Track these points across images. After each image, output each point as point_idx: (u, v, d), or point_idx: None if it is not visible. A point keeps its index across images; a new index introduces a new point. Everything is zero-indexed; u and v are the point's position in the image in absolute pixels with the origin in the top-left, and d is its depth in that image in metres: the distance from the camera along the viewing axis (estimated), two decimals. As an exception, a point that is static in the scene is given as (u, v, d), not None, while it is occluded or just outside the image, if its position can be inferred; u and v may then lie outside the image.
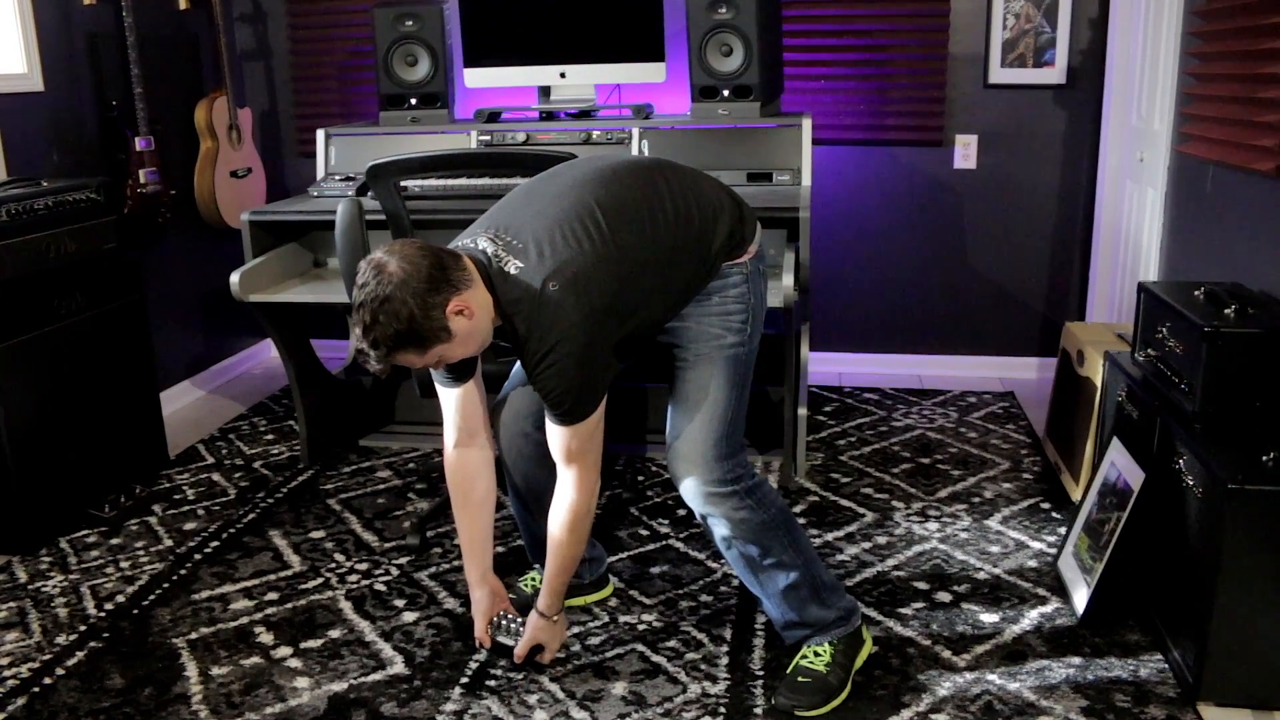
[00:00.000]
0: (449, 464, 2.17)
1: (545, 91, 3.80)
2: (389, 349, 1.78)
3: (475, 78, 3.76)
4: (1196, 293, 2.44)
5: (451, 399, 2.10)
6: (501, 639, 2.25)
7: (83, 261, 2.99)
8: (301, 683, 2.23)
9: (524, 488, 2.31)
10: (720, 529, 2.08)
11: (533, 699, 2.15)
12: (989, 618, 2.42)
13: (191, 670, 2.28)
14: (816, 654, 2.15)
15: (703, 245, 1.98)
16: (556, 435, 1.95)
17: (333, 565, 2.74)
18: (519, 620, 2.24)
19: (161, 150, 3.65)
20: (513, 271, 1.85)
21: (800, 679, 2.12)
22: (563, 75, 3.69)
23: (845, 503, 3.05)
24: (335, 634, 2.41)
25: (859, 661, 2.20)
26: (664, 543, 2.82)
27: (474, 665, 2.28)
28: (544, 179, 2.02)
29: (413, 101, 3.65)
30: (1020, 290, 4.15)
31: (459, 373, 2.07)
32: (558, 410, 1.90)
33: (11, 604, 2.57)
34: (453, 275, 1.79)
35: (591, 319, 1.83)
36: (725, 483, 2.03)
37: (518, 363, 2.27)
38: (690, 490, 2.05)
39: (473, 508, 2.19)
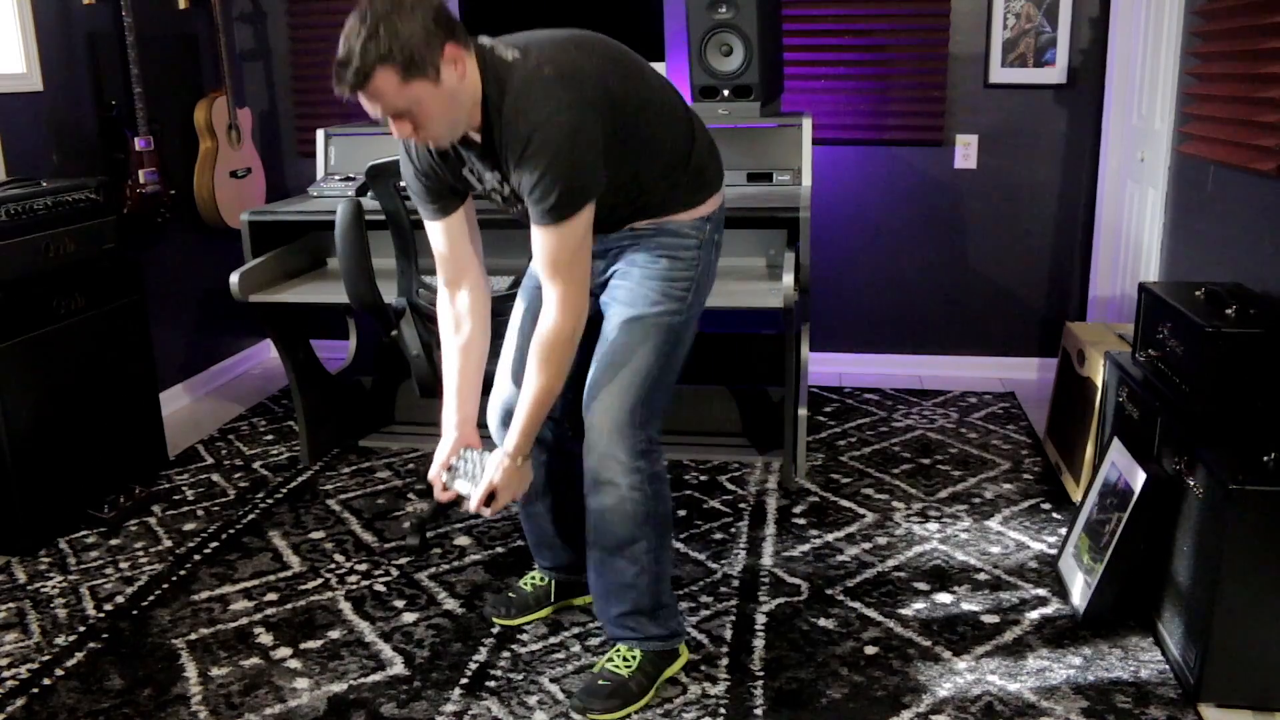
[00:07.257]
0: (440, 302, 2.11)
1: (545, 91, 3.79)
2: (374, 62, 1.68)
3: (475, 78, 3.75)
4: (1197, 293, 2.43)
5: (437, 232, 2.04)
6: (460, 486, 2.04)
7: (82, 262, 2.98)
8: (301, 683, 2.22)
9: (547, 492, 2.29)
10: (603, 499, 2.02)
11: (533, 700, 2.15)
12: (989, 618, 2.41)
13: (191, 671, 2.28)
14: (625, 659, 2.12)
15: (688, 131, 2.01)
16: (543, 243, 1.85)
17: (332, 566, 2.73)
18: (483, 456, 2.05)
19: (161, 150, 3.65)
20: (509, 58, 1.84)
21: (600, 681, 2.10)
22: (563, 75, 3.68)
23: (845, 503, 3.04)
24: (335, 635, 2.41)
25: (667, 674, 2.18)
26: (664, 543, 2.82)
27: (474, 666, 2.27)
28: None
29: (412, 101, 3.64)
30: (1021, 290, 4.14)
31: (443, 204, 2.01)
32: (544, 204, 1.80)
33: (10, 605, 2.56)
34: (456, 27, 1.78)
35: (581, 105, 1.79)
36: (633, 454, 1.98)
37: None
38: (595, 453, 2.00)
39: (458, 346, 2.09)
